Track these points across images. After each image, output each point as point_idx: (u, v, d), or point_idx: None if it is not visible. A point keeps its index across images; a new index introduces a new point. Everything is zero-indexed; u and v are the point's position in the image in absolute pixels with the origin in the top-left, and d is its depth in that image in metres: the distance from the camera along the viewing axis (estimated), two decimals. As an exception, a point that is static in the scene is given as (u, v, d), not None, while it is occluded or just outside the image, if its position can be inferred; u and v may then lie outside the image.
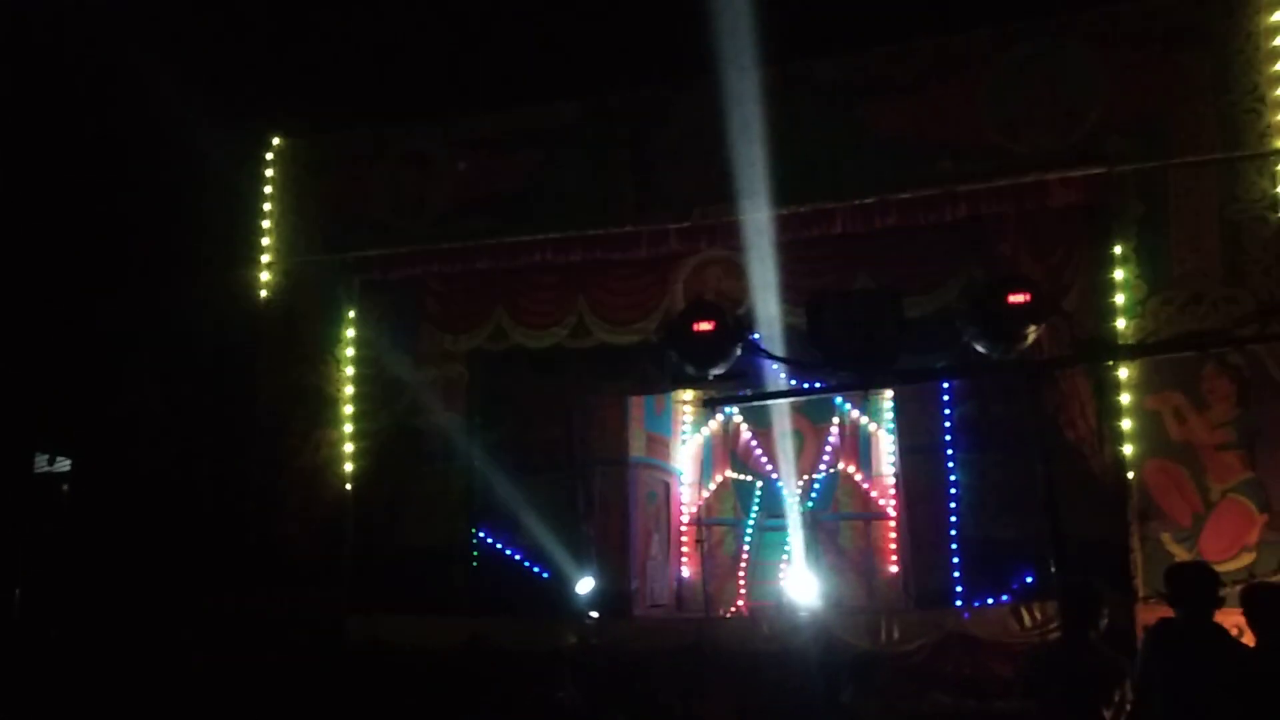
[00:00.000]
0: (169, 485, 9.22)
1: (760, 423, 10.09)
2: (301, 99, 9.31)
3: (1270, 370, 6.77)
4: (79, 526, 9.68)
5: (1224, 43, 7.05)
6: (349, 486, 8.94)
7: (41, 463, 10.52)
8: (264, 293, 9.39)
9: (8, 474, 10.05)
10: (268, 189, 9.53)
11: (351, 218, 9.19)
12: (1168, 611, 4.76)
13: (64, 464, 10.47)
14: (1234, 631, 5.02)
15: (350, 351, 9.14)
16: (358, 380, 9.09)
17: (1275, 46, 6.96)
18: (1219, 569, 6.41)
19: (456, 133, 9.01)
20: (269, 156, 9.57)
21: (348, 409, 9.06)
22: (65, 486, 10.31)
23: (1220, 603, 4.60)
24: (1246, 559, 6.68)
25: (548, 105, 8.69)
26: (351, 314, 9.18)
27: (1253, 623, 4.43)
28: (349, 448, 9.01)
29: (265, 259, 9.45)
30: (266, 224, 9.50)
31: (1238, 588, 6.13)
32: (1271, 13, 6.99)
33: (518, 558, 9.20)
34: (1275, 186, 6.89)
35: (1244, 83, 7.00)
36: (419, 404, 8.93)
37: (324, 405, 9.08)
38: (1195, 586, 4.61)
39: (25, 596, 9.34)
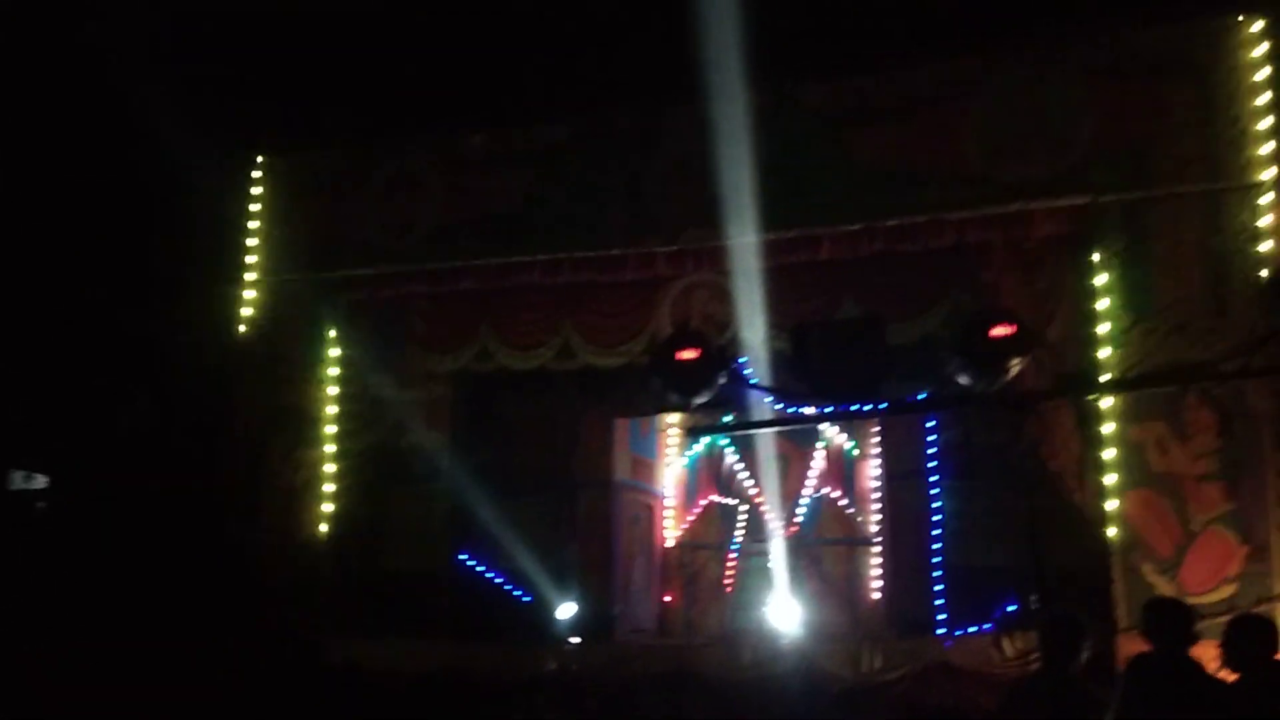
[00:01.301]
0: (146, 504, 9.12)
1: (745, 447, 10.06)
2: (290, 117, 9.29)
3: (1252, 402, 6.80)
4: (54, 544, 9.55)
5: (1207, 76, 7.13)
6: (330, 507, 8.86)
7: (17, 479, 10.39)
8: (248, 311, 9.34)
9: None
10: (254, 207, 9.50)
11: (338, 237, 9.16)
12: (1149, 644, 4.76)
13: (40, 481, 10.35)
14: (1211, 665, 5.03)
15: (334, 371, 9.09)
16: (341, 400, 9.03)
17: (1257, 80, 7.05)
18: (1200, 600, 6.50)
19: (446, 153, 9.02)
20: (256, 174, 9.54)
21: (330, 429, 8.99)
22: (40, 504, 10.18)
23: (1195, 638, 4.60)
24: (1228, 590, 6.68)
25: (538, 127, 8.71)
26: (335, 334, 9.13)
27: (1233, 654, 4.41)
28: (330, 468, 8.93)
29: (250, 277, 9.40)
30: (252, 242, 9.46)
31: (1219, 620, 6.20)
32: (1253, 47, 7.08)
33: (500, 581, 9.13)
34: (1257, 219, 6.95)
35: (1227, 116, 7.08)
36: (402, 425, 8.88)
37: (306, 425, 9.02)
38: (1170, 622, 4.62)
39: (-2, 613, 9.19)
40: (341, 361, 9.09)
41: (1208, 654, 4.83)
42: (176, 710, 7.74)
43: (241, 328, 9.32)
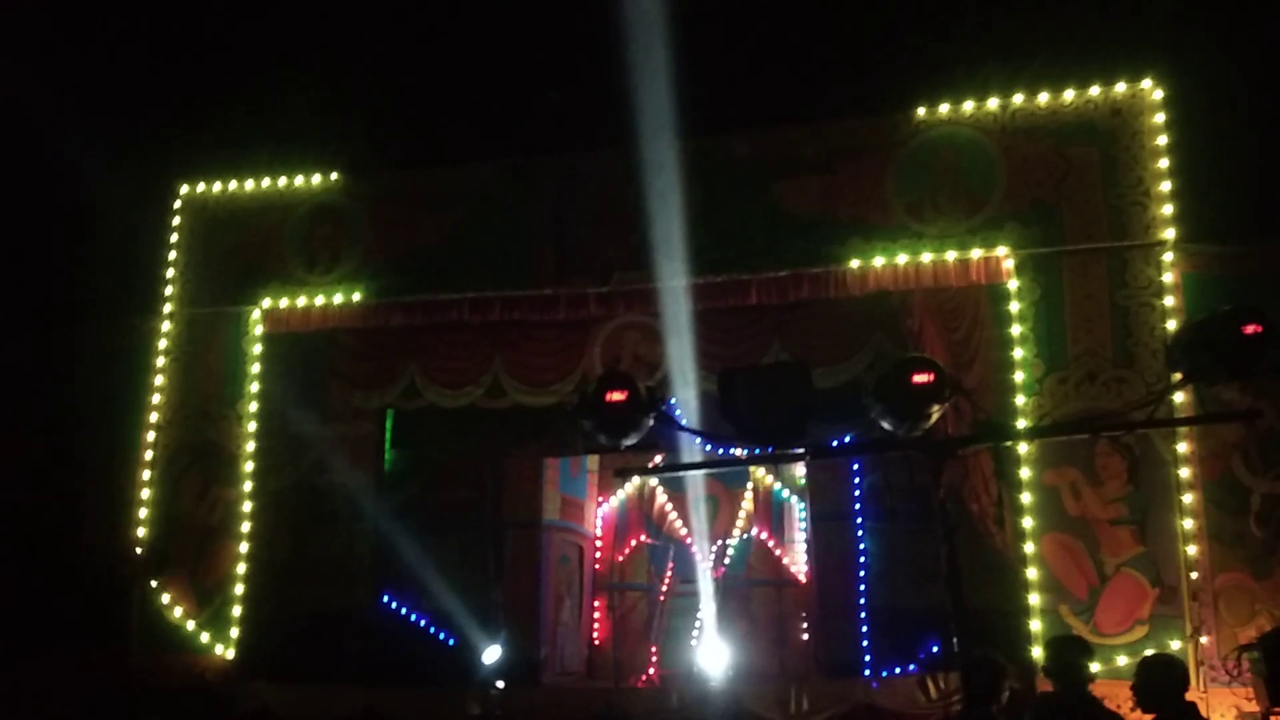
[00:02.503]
0: (47, 540, 8.72)
1: (675, 488, 10.10)
2: (213, 149, 9.13)
3: (1159, 450, 7.10)
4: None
5: (1112, 140, 7.53)
6: (245, 547, 8.59)
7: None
8: (163, 343, 9.08)
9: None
10: (173, 237, 9.27)
11: (260, 270, 8.99)
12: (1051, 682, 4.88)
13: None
14: (1127, 704, 5.17)
15: (253, 407, 8.85)
16: (260, 436, 8.79)
17: (1157, 145, 7.46)
18: (1114, 640, 6.70)
19: (373, 189, 8.96)
20: (175, 205, 9.32)
21: (248, 466, 8.75)
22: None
23: (1091, 677, 4.72)
24: (1140, 632, 6.91)
25: (468, 166, 8.72)
26: (256, 369, 8.92)
27: (1144, 694, 4.52)
28: (247, 506, 8.67)
29: (166, 309, 9.15)
30: (170, 273, 9.22)
31: (1132, 659, 6.39)
32: (1154, 114, 7.51)
33: (423, 623, 8.93)
34: (1161, 275, 7.31)
35: (1129, 177, 7.47)
36: (324, 463, 8.68)
37: (223, 463, 8.75)
38: (1067, 660, 4.74)
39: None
40: (261, 397, 8.86)
41: (1121, 694, 4.97)
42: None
43: (159, 360, 9.05)
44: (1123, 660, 6.60)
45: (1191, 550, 6.95)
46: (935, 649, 7.48)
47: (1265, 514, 6.96)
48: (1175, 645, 6.76)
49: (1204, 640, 6.79)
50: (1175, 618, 6.88)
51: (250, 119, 8.95)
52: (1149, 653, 5.88)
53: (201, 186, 9.31)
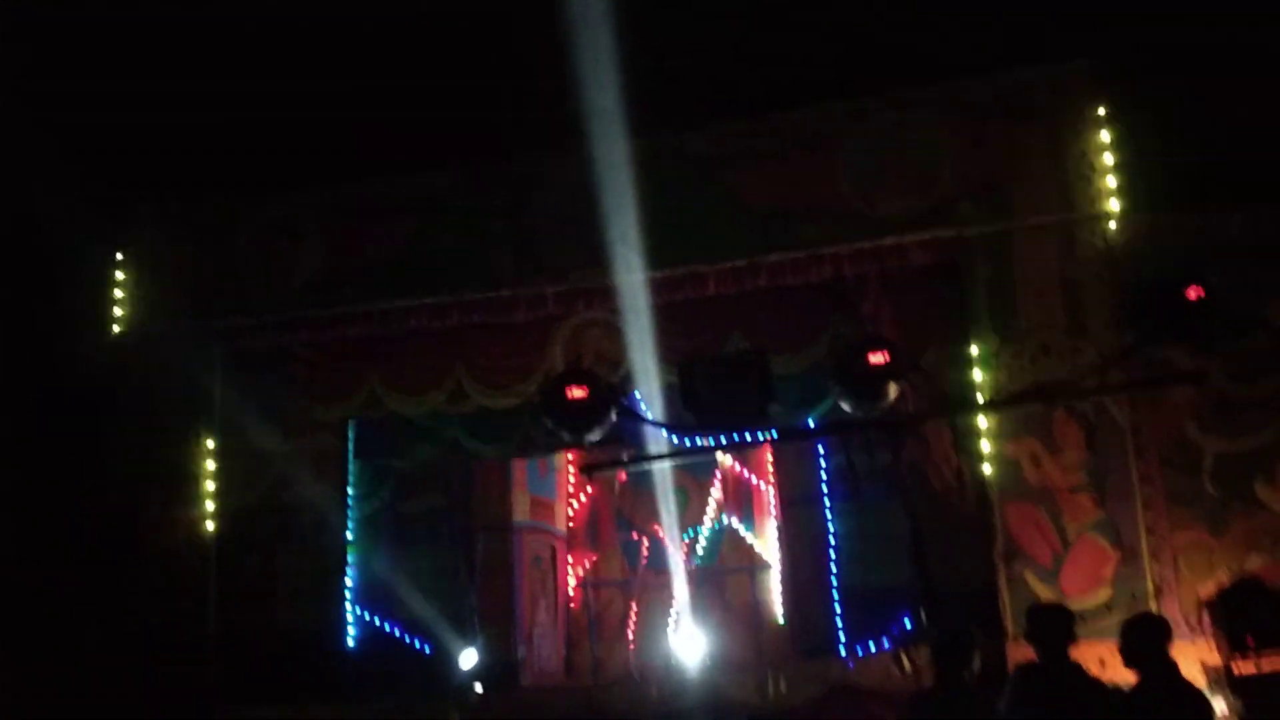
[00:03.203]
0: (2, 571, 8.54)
1: (644, 482, 10.12)
2: (163, 163, 8.98)
3: (1114, 415, 7.26)
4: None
5: (1055, 116, 7.66)
6: (213, 568, 8.46)
7: None
8: (117, 363, 8.92)
9: None
10: (119, 255, 9.11)
11: (215, 286, 8.85)
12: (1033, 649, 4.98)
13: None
14: (1096, 665, 5.29)
15: (213, 426, 8.72)
16: (220, 455, 8.67)
17: (1099, 116, 7.61)
18: (1079, 605, 6.83)
19: (325, 200, 8.87)
20: (125, 221, 9.16)
21: (210, 486, 8.62)
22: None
23: (1074, 640, 4.83)
24: (1104, 594, 7.06)
25: (419, 174, 8.66)
26: (214, 386, 8.79)
27: (1129, 652, 4.62)
28: (211, 527, 8.55)
29: (118, 329, 8.99)
30: (119, 293, 9.06)
31: (1100, 623, 6.55)
32: (1093, 88, 7.65)
33: (398, 633, 8.88)
34: (1108, 246, 7.47)
35: (1074, 151, 7.61)
36: (288, 478, 8.58)
37: (184, 483, 8.62)
38: (1049, 626, 4.84)
39: None
40: (220, 414, 8.73)
41: (1089, 655, 5.09)
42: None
43: (113, 381, 8.89)
44: (1088, 622, 6.73)
45: (1149, 512, 7.10)
46: (907, 624, 7.60)
47: (1218, 472, 7.14)
48: (1138, 604, 6.91)
49: (1166, 598, 6.95)
50: (1137, 578, 7.04)
51: (198, 129, 8.81)
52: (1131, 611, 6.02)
53: (149, 204, 9.15)
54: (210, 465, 8.65)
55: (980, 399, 7.28)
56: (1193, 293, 3.70)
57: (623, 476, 10.23)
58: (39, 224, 8.60)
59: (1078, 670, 4.78)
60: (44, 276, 9.05)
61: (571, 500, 10.52)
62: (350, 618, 8.77)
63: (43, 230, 8.64)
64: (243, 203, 9.00)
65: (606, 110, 7.39)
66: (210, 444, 8.68)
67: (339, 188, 8.85)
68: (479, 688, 7.78)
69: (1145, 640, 4.61)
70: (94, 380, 8.87)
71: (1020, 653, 5.90)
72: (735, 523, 10.05)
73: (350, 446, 9.02)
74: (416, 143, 8.62)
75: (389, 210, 8.64)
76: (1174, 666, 4.55)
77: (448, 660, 8.19)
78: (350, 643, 8.73)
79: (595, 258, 7.95)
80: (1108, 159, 7.54)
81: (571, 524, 10.47)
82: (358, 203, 8.77)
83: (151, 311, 9.00)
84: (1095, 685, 4.84)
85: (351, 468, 8.99)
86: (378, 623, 8.88)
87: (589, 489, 10.45)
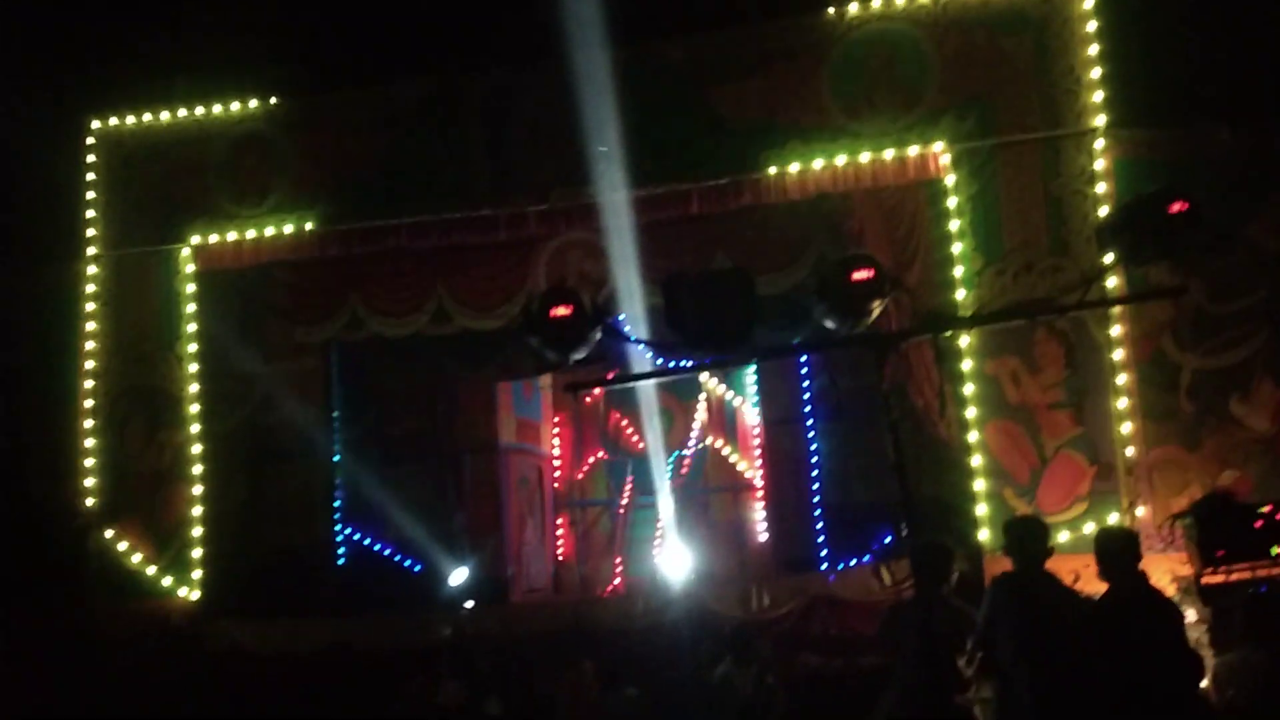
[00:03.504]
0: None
1: (629, 402, 10.18)
2: (124, 78, 8.69)
3: (1093, 333, 7.31)
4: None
5: (1042, 28, 7.52)
6: (199, 489, 8.51)
7: None
8: (90, 287, 8.79)
9: None
10: (89, 176, 8.89)
11: (186, 205, 8.69)
12: (1010, 561, 5.10)
13: None
14: (1070, 577, 5.44)
15: (193, 348, 8.65)
16: (202, 378, 8.62)
17: (1088, 31, 7.47)
18: (1055, 518, 7.00)
19: (298, 115, 8.64)
20: (89, 141, 8.92)
21: (193, 408, 8.60)
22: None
23: (1049, 553, 4.95)
24: (1080, 508, 7.22)
25: (393, 86, 8.42)
26: (191, 308, 8.70)
27: (1103, 564, 4.75)
28: (197, 449, 8.56)
29: (90, 251, 8.83)
30: (90, 214, 8.87)
31: (1076, 537, 6.70)
32: (1083, 2, 7.49)
33: (387, 553, 9.01)
34: (1093, 162, 7.41)
35: (1061, 65, 7.50)
36: (272, 400, 8.57)
37: (167, 406, 8.59)
38: (1026, 539, 4.96)
39: None
40: (200, 337, 8.65)
41: (1064, 569, 5.23)
42: (51, 709, 7.38)
43: (89, 305, 8.78)
44: (1064, 536, 6.89)
45: (1126, 428, 7.22)
46: (887, 539, 7.75)
47: (1194, 389, 7.24)
48: (1113, 518, 7.07)
49: (1139, 513, 7.11)
50: (1112, 493, 7.18)
51: (163, 44, 8.52)
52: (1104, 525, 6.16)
53: (115, 121, 8.90)
54: (193, 388, 8.61)
55: (960, 316, 7.30)
56: (1175, 207, 3.67)
57: (605, 397, 10.31)
58: (3, 144, 8.35)
59: (1053, 580, 4.92)
60: (8, 200, 8.84)
61: (556, 422, 10.60)
62: (339, 538, 8.88)
63: (7, 151, 8.40)
64: (212, 118, 8.74)
65: (585, 19, 7.16)
66: (193, 368, 8.63)
67: (312, 101, 8.61)
68: (469, 604, 7.93)
69: (1114, 552, 4.73)
70: (70, 304, 8.75)
71: (997, 567, 6.04)
72: (719, 443, 10.17)
73: (335, 369, 9.00)
74: (388, 53, 8.35)
75: (362, 126, 8.44)
76: (1143, 577, 4.68)
77: (437, 578, 8.33)
78: (340, 561, 8.86)
79: (576, 176, 7.83)
80: (1095, 73, 7.43)
81: (557, 445, 10.57)
82: (332, 118, 8.55)
83: (124, 233, 8.83)
84: (1069, 595, 4.99)
85: (336, 390, 8.98)
86: (367, 542, 9.00)
87: (574, 411, 10.52)
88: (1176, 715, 4.43)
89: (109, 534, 8.47)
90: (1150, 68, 7.36)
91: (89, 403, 8.69)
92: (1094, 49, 7.44)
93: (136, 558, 8.47)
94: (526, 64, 8.13)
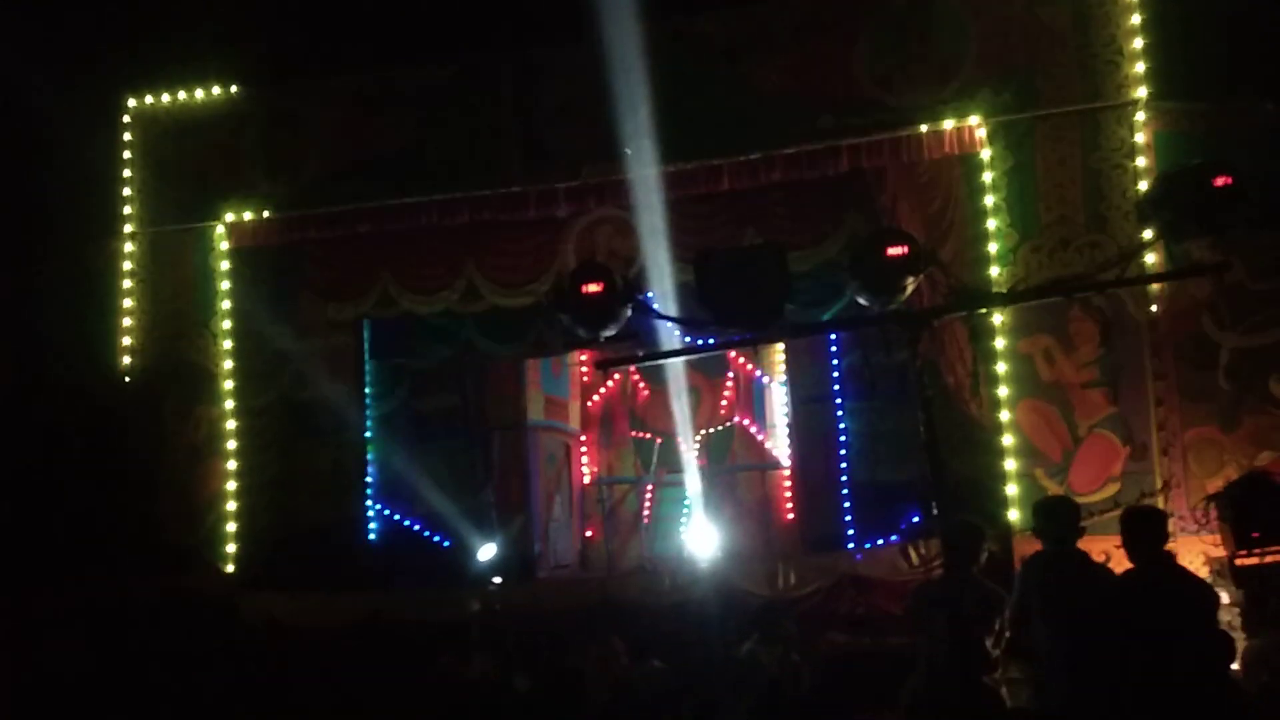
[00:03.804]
0: (31, 471, 8.71)
1: (657, 380, 10.17)
2: (160, 57, 8.76)
3: (1130, 311, 7.19)
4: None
5: (1082, -2, 7.35)
6: (234, 465, 8.64)
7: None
8: (128, 264, 8.90)
9: None
10: (125, 154, 8.98)
11: (221, 183, 8.74)
12: (1040, 542, 5.06)
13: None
14: (1101, 557, 5.39)
15: (227, 324, 8.75)
16: (237, 354, 8.72)
17: (1129, 1, 7.29)
18: (1087, 499, 6.91)
19: (329, 93, 8.66)
20: (125, 119, 9.00)
21: (228, 384, 8.71)
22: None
23: (1081, 532, 4.90)
24: (1112, 489, 7.12)
25: (425, 64, 8.41)
26: (226, 285, 8.79)
27: (1130, 544, 4.70)
28: (232, 424, 8.68)
29: (127, 229, 8.93)
30: (126, 191, 8.97)
31: (1105, 516, 6.62)
32: (1126, -32, 7.30)
33: (417, 529, 9.10)
34: (1133, 135, 7.26)
35: (1102, 35, 7.32)
36: (305, 377, 8.66)
37: (203, 381, 8.71)
38: (1057, 519, 4.91)
39: None
40: (235, 314, 8.75)
41: (1095, 550, 5.18)
42: (86, 680, 7.55)
43: (126, 283, 8.89)
44: (1096, 517, 6.81)
45: (1162, 408, 7.10)
46: (915, 519, 7.71)
47: (1233, 368, 7.10)
48: (1146, 499, 6.98)
49: (1173, 492, 7.01)
50: (1145, 474, 7.08)
51: (198, 21, 8.55)
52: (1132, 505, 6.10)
53: (150, 99, 8.98)
54: (228, 365, 8.72)
55: (994, 293, 7.18)
56: (1219, 181, 3.58)
57: (636, 375, 10.30)
58: (36, 124, 8.45)
59: (1084, 559, 4.87)
60: (46, 180, 8.95)
61: (585, 400, 10.62)
62: (370, 513, 8.98)
63: (40, 130, 8.50)
64: (245, 96, 8.81)
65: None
66: (227, 344, 8.73)
67: (343, 79, 8.63)
68: (497, 579, 8.00)
69: (1137, 531, 4.69)
70: (105, 280, 8.88)
71: (1027, 547, 6.01)
72: (746, 421, 10.15)
73: (366, 346, 9.07)
74: (421, 31, 8.34)
75: (394, 103, 8.43)
76: (1170, 556, 4.63)
77: (466, 553, 8.41)
78: (371, 537, 8.97)
79: (606, 151, 7.78)
80: (1137, 44, 7.26)
81: (585, 423, 10.60)
82: (362, 95, 8.55)
83: (160, 210, 8.91)
84: (1100, 573, 4.94)
85: (368, 367, 9.06)
86: (397, 518, 9.09)
87: (602, 389, 10.54)
88: (1203, 696, 4.38)
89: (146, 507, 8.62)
90: (1193, 38, 7.17)
91: (126, 379, 8.81)
92: (1135, 19, 7.26)
93: (173, 531, 8.62)
94: (558, 40, 8.07)
